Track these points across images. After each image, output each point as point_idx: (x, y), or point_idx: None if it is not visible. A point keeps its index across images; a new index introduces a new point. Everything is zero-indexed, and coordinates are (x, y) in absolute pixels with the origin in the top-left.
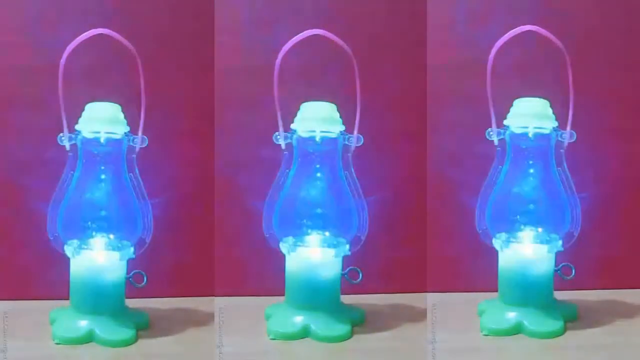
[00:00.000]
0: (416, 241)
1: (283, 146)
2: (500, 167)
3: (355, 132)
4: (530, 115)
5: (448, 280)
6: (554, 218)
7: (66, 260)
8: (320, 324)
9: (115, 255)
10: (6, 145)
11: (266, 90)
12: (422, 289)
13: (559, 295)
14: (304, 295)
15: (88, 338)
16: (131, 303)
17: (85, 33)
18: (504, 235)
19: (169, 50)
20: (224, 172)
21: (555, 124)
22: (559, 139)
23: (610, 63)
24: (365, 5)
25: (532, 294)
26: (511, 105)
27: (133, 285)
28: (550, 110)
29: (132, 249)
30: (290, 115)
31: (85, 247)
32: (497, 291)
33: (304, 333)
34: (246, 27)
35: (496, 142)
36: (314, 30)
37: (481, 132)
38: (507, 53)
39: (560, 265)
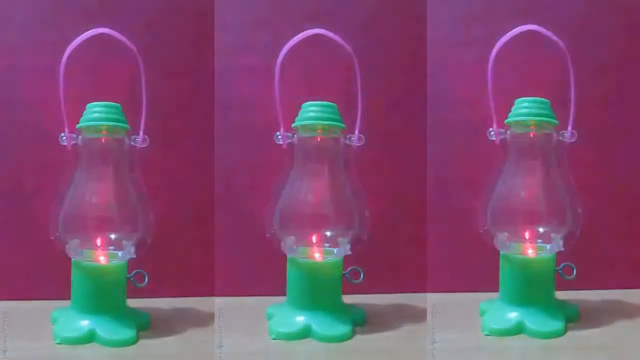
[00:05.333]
0: (417, 241)
1: (284, 146)
2: (502, 167)
3: (357, 131)
4: (531, 115)
5: (449, 280)
6: (555, 218)
7: (67, 260)
8: (322, 324)
9: (117, 255)
10: (7, 145)
11: (267, 90)
12: (422, 289)
13: (560, 295)
14: (305, 295)
15: (89, 338)
16: (132, 303)
17: (86, 32)
18: (505, 235)
19: (170, 50)
20: (225, 171)
21: (557, 123)
22: (560, 138)
23: (612, 62)
24: (366, 4)
25: (533, 293)
26: (512, 105)
27: (134, 285)
28: (551, 110)
29: (133, 249)
30: (291, 115)
31: (87, 246)
32: (497, 291)
33: (305, 333)
34: (246, 27)
35: (497, 142)
36: (314, 29)
37: (482, 132)
38: (508, 53)
39: (562, 265)
